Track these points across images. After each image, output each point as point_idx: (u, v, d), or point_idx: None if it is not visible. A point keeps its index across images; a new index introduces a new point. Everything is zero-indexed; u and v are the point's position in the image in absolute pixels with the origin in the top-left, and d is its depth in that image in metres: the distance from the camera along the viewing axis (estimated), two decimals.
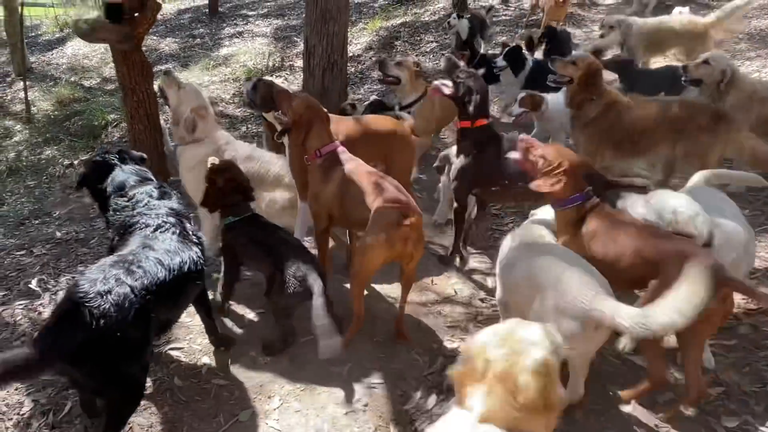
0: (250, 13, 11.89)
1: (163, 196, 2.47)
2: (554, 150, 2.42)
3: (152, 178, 2.65)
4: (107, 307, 1.88)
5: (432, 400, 2.40)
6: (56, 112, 8.99)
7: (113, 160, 2.64)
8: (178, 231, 2.32)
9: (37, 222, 5.47)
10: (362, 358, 2.64)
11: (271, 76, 8.23)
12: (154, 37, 10.93)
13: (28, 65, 10.42)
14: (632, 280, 2.33)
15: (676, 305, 1.69)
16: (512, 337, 1.38)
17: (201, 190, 3.20)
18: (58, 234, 4.86)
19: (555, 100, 4.38)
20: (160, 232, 2.28)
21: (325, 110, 2.98)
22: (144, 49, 10.40)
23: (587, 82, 3.69)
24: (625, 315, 1.78)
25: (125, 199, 2.43)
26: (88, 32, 3.44)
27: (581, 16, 8.60)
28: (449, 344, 2.74)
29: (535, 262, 2.22)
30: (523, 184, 2.62)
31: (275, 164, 3.51)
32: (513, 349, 1.33)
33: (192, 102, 3.26)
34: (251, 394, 2.48)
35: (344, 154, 2.83)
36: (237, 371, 2.64)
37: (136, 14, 3.37)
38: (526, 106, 4.49)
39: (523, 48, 5.60)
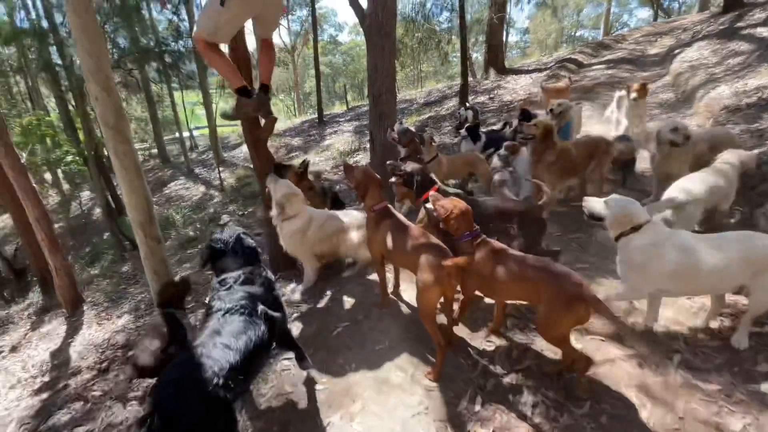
0: (341, 119, 11.60)
1: (246, 282, 1.66)
2: (449, 201, 1.86)
3: (252, 263, 1.79)
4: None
5: (478, 402, 1.68)
6: (236, 184, 8.92)
7: (222, 247, 1.79)
8: (247, 312, 1.54)
9: None
10: (420, 364, 1.94)
11: (353, 155, 7.82)
12: (289, 137, 10.80)
13: (222, 158, 10.48)
14: (516, 296, 1.88)
15: None
16: None
17: (299, 251, 2.72)
18: None
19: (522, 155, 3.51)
20: (230, 314, 1.51)
21: (379, 177, 2.29)
22: (281, 144, 10.26)
23: (545, 138, 2.99)
24: None
25: (218, 281, 1.70)
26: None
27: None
28: (486, 347, 2.02)
29: None
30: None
31: (349, 220, 2.86)
32: None
33: (283, 191, 2.66)
34: (341, 397, 1.81)
35: (390, 210, 2.19)
36: (330, 378, 1.96)
37: (263, 122, 2.86)
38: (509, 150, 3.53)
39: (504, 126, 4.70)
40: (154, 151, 13.18)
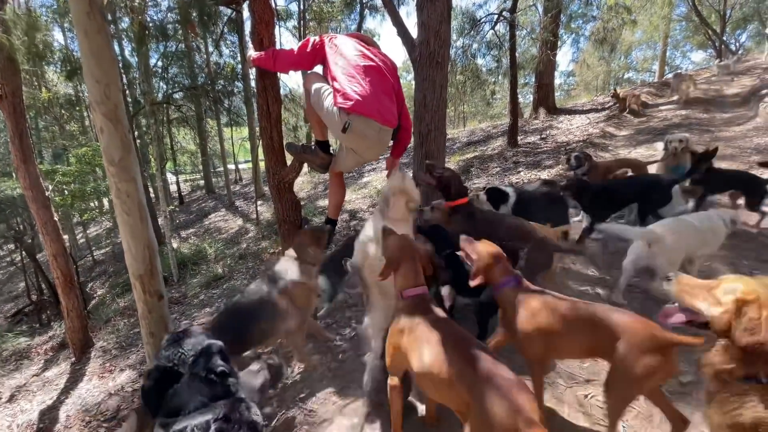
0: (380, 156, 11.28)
1: None
2: (481, 246, 1.59)
3: (227, 394, 1.09)
4: None
5: None
6: (272, 219, 8.63)
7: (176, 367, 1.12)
8: None
9: None
10: None
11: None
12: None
13: (262, 192, 10.39)
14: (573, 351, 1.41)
15: None
16: None
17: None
18: None
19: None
20: None
21: (422, 251, 1.62)
22: (320, 180, 9.95)
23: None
24: None
25: None
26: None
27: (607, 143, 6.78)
28: None
29: None
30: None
31: None
32: None
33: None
34: None
35: (428, 303, 1.43)
36: None
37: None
38: None
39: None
40: (201, 182, 13.49)
